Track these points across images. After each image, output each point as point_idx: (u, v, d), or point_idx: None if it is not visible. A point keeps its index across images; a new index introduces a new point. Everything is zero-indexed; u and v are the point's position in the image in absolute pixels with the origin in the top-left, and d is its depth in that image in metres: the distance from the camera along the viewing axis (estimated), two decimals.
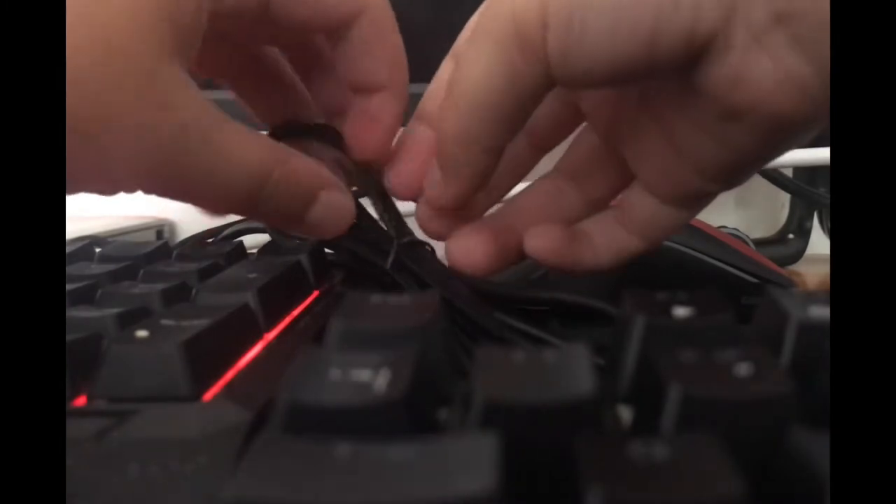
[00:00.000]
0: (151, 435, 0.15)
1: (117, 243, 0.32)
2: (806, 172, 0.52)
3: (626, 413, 0.15)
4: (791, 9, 0.18)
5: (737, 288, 0.37)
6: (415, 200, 0.27)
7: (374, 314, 0.17)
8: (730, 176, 0.24)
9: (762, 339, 0.17)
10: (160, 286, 0.23)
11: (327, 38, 0.26)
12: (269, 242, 0.29)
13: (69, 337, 0.18)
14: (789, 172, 0.52)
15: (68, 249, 0.31)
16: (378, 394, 0.13)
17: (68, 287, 0.24)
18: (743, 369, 0.14)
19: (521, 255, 0.27)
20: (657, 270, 0.37)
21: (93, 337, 0.18)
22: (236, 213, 0.24)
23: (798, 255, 0.54)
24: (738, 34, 0.19)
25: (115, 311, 0.20)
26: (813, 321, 0.15)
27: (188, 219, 0.63)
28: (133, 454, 0.14)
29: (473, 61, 0.21)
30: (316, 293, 0.26)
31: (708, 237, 0.39)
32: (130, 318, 0.20)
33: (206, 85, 0.26)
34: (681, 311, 0.16)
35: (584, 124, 0.27)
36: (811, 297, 0.16)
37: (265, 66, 0.28)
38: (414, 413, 0.13)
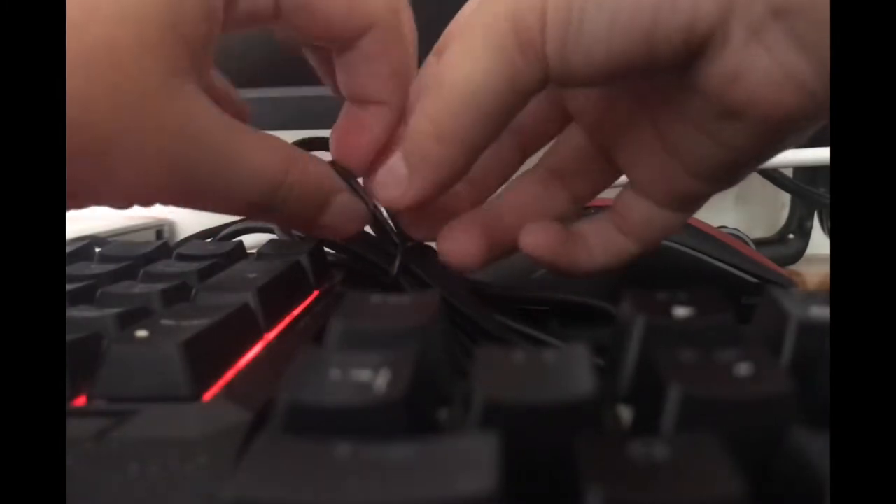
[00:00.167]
0: (151, 435, 0.15)
1: (117, 243, 0.32)
2: (806, 172, 0.52)
3: (626, 413, 0.15)
4: (790, 4, 0.18)
5: (737, 288, 0.37)
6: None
7: (374, 314, 0.17)
8: (725, 176, 0.24)
9: (762, 339, 0.17)
10: (160, 286, 0.23)
11: (333, 49, 0.26)
12: (269, 242, 0.29)
13: (69, 337, 0.18)
14: (789, 172, 0.52)
15: (68, 249, 0.31)
16: (378, 394, 0.13)
17: (68, 287, 0.24)
18: (743, 369, 0.14)
19: (511, 250, 0.26)
20: (657, 270, 0.37)
21: (93, 337, 0.18)
22: (251, 217, 0.24)
23: (798, 255, 0.53)
24: (737, 30, 0.19)
25: (115, 311, 0.20)
26: (813, 321, 0.15)
27: (188, 219, 0.63)
28: (133, 454, 0.14)
29: (467, 57, 0.21)
30: (316, 293, 0.26)
31: (708, 237, 0.39)
32: (130, 318, 0.20)
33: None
34: (681, 311, 0.16)
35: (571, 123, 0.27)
36: (811, 297, 0.16)
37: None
38: (414, 413, 0.13)
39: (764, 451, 0.13)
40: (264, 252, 0.27)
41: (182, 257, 0.28)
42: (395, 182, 0.23)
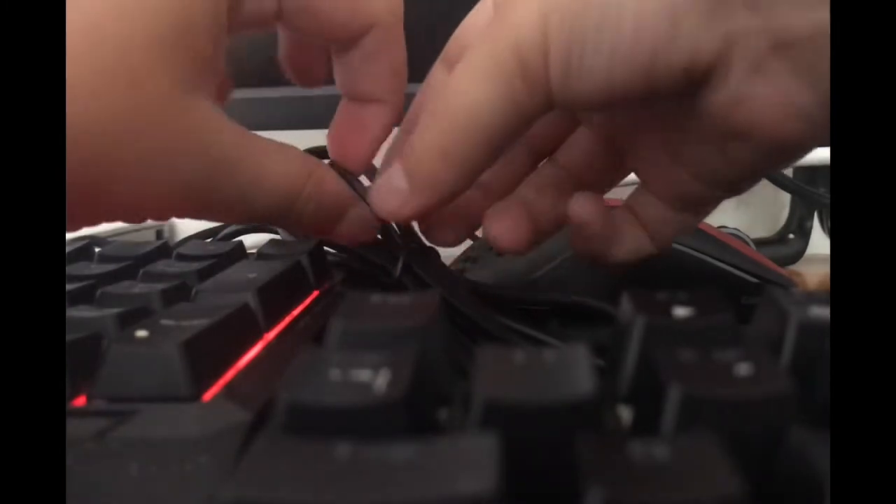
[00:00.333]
0: (151, 435, 0.15)
1: (117, 243, 0.32)
2: (806, 172, 0.52)
3: (626, 413, 0.15)
4: (789, 38, 0.18)
5: (737, 288, 0.37)
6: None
7: (374, 314, 0.17)
8: (734, 185, 0.24)
9: (762, 339, 0.17)
10: (160, 286, 0.23)
11: (333, 49, 0.26)
12: (269, 242, 0.29)
13: (69, 337, 0.18)
14: (789, 172, 0.52)
15: (68, 249, 0.31)
16: (378, 394, 0.13)
17: (68, 287, 0.24)
18: (743, 369, 0.14)
19: (554, 229, 0.27)
20: (657, 270, 0.37)
21: (93, 337, 0.18)
22: (271, 224, 0.24)
23: (798, 255, 0.54)
24: (737, 63, 0.19)
25: (115, 311, 0.20)
26: (813, 321, 0.15)
27: (188, 219, 0.63)
28: (133, 454, 0.14)
29: (473, 83, 0.21)
30: (316, 293, 0.26)
31: (708, 237, 0.39)
32: (130, 318, 0.20)
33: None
34: (681, 311, 0.16)
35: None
36: (811, 297, 0.16)
37: None
38: (414, 413, 0.13)
39: (764, 451, 0.13)
40: (264, 252, 0.27)
41: (182, 257, 0.28)
42: (395, 195, 0.24)
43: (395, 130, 0.28)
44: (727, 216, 0.57)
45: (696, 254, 0.38)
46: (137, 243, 0.31)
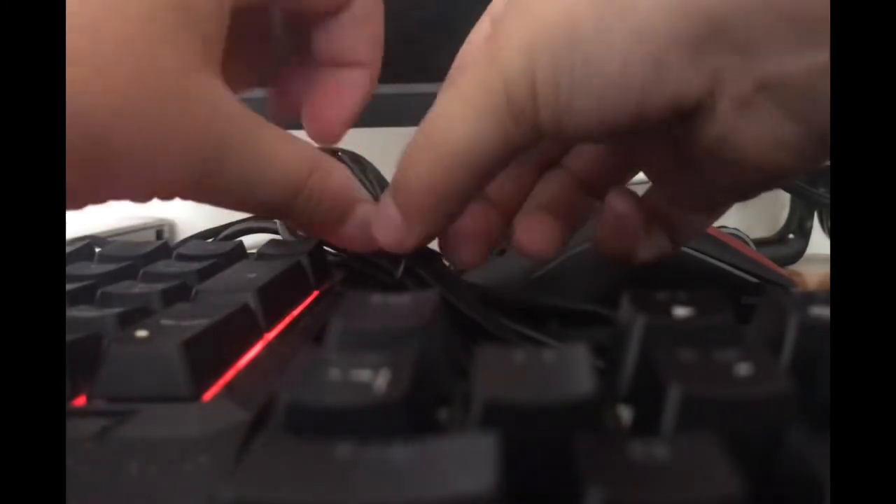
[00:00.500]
0: (151, 435, 0.15)
1: (117, 243, 0.32)
2: (806, 172, 0.52)
3: (626, 413, 0.15)
4: (775, 77, 0.18)
5: (737, 288, 0.37)
6: None
7: (374, 314, 0.17)
8: (741, 196, 0.24)
9: (762, 339, 0.17)
10: (160, 286, 0.23)
11: (320, 17, 0.26)
12: (269, 242, 0.29)
13: (69, 337, 0.18)
14: None
15: (68, 249, 0.31)
16: (378, 394, 0.13)
17: (68, 287, 0.24)
18: (743, 369, 0.14)
19: (574, 230, 0.27)
20: (657, 270, 0.37)
21: (93, 337, 0.18)
22: (272, 216, 0.24)
23: (798, 255, 0.53)
24: (723, 101, 0.19)
25: (115, 311, 0.20)
26: (813, 321, 0.15)
27: (188, 219, 0.63)
28: (133, 454, 0.14)
29: (461, 119, 0.21)
30: (316, 293, 0.26)
31: (708, 237, 0.39)
32: (130, 318, 0.20)
33: None
34: (681, 311, 0.16)
35: None
36: (811, 297, 0.16)
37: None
38: (414, 413, 0.13)
39: (764, 451, 0.13)
40: (264, 252, 0.27)
41: (182, 257, 0.28)
42: (394, 229, 0.24)
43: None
44: (727, 216, 0.57)
45: (696, 254, 0.38)
46: (137, 243, 0.31)
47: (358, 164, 0.35)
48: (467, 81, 0.21)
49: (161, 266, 0.27)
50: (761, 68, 0.18)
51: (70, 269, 0.27)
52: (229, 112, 0.21)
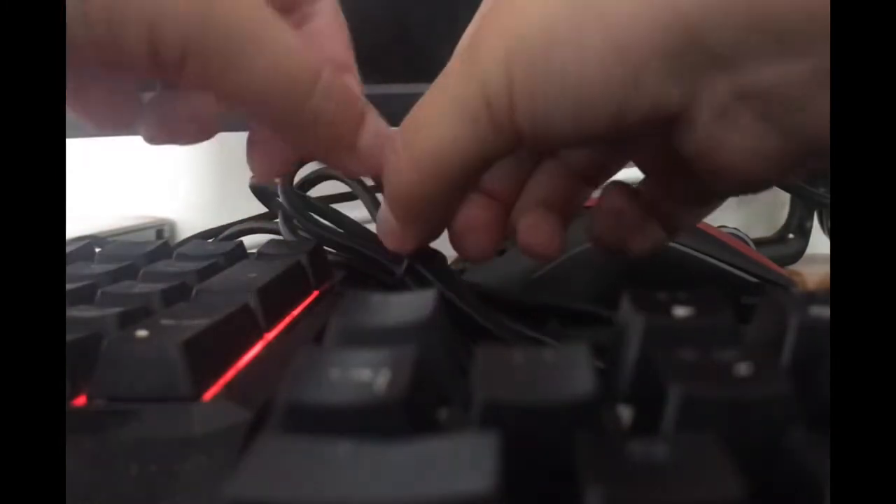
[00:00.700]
0: (151, 435, 0.15)
1: (117, 243, 0.32)
2: None
3: (626, 413, 0.15)
4: (754, 88, 0.18)
5: (737, 288, 0.37)
6: None
7: (374, 313, 0.17)
8: (733, 194, 0.24)
9: (762, 339, 0.17)
10: (160, 286, 0.23)
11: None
12: (269, 242, 0.29)
13: (69, 337, 0.18)
14: None
15: (68, 249, 0.31)
16: (378, 393, 0.13)
17: (68, 287, 0.24)
18: (743, 369, 0.14)
19: (571, 219, 0.27)
20: (657, 270, 0.37)
21: (93, 337, 0.18)
22: (285, 125, 0.23)
23: (798, 255, 0.53)
24: (703, 112, 0.19)
25: (115, 311, 0.20)
26: (813, 321, 0.15)
27: (188, 219, 0.63)
28: (133, 454, 0.14)
29: (441, 126, 0.21)
30: (316, 293, 0.26)
31: (708, 237, 0.39)
32: (130, 318, 0.20)
33: None
34: (681, 311, 0.16)
35: None
36: (811, 297, 0.16)
37: None
38: (414, 413, 0.13)
39: (764, 451, 0.13)
40: (264, 252, 0.27)
41: (182, 257, 0.28)
42: (392, 232, 0.24)
43: None
44: (727, 216, 0.57)
45: (696, 254, 0.38)
46: (137, 243, 0.31)
47: None
48: (447, 90, 0.21)
49: (161, 266, 0.27)
50: (740, 79, 0.18)
51: (70, 269, 0.27)
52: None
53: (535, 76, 0.19)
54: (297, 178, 0.33)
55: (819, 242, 0.54)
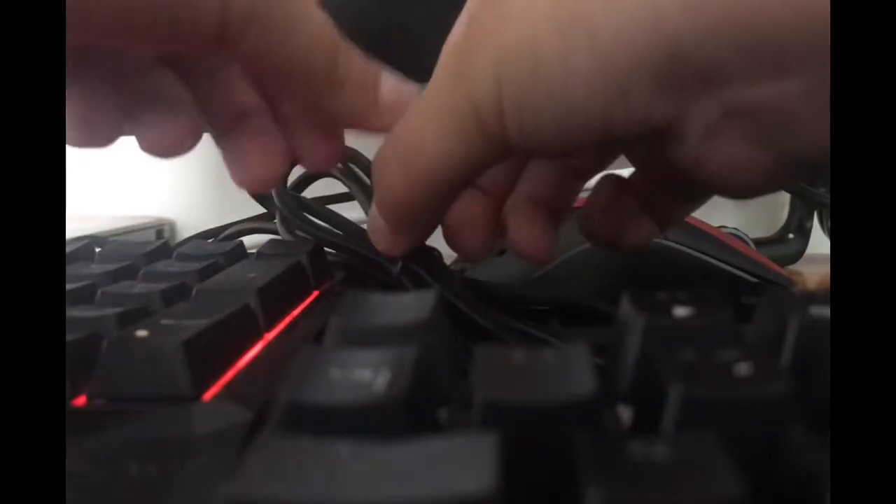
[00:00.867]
0: (151, 435, 0.15)
1: (117, 243, 0.32)
2: None
3: (626, 413, 0.15)
4: (743, 106, 0.18)
5: (737, 288, 0.37)
6: None
7: (374, 313, 0.17)
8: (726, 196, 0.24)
9: (762, 339, 0.17)
10: (160, 286, 0.23)
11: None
12: (269, 242, 0.29)
13: (69, 337, 0.18)
14: None
15: (68, 249, 0.31)
16: (378, 393, 0.13)
17: (68, 287, 0.24)
18: (743, 369, 0.14)
19: (564, 216, 0.28)
20: (657, 270, 0.37)
21: (93, 337, 0.18)
22: (320, 94, 0.23)
23: (798, 255, 0.53)
24: (692, 127, 0.19)
25: (115, 311, 0.20)
26: (813, 321, 0.15)
27: (188, 219, 0.63)
28: (133, 454, 0.14)
29: (431, 138, 0.21)
30: (316, 293, 0.26)
31: (708, 237, 0.39)
32: (130, 318, 0.20)
33: None
34: (681, 311, 0.16)
35: None
36: (811, 297, 0.16)
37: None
38: (414, 413, 0.13)
39: (764, 451, 0.13)
40: (264, 252, 0.27)
41: (182, 257, 0.28)
42: (383, 237, 0.25)
43: None
44: (727, 216, 0.57)
45: (696, 254, 0.38)
46: (137, 243, 0.31)
47: (354, 160, 0.35)
48: (435, 101, 0.21)
49: (161, 266, 0.27)
50: (729, 98, 0.18)
51: (70, 269, 0.27)
52: None
53: (524, 90, 0.19)
54: (289, 179, 0.34)
55: (819, 242, 0.54)
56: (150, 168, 0.64)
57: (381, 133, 0.24)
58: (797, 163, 0.19)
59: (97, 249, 0.30)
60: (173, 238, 0.61)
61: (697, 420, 0.13)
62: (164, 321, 0.18)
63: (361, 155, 0.35)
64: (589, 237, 0.28)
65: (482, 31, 0.20)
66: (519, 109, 0.19)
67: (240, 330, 0.19)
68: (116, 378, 0.16)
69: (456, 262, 0.40)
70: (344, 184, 0.35)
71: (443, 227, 0.26)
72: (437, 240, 0.27)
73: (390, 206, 0.23)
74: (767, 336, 0.16)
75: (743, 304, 0.19)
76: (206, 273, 0.26)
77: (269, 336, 0.21)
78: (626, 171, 0.28)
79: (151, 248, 0.30)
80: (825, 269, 0.50)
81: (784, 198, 0.56)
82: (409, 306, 0.17)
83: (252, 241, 0.35)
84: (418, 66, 0.27)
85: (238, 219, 0.39)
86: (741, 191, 0.20)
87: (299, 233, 0.32)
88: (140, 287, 0.24)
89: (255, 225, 0.38)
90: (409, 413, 0.13)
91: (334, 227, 0.32)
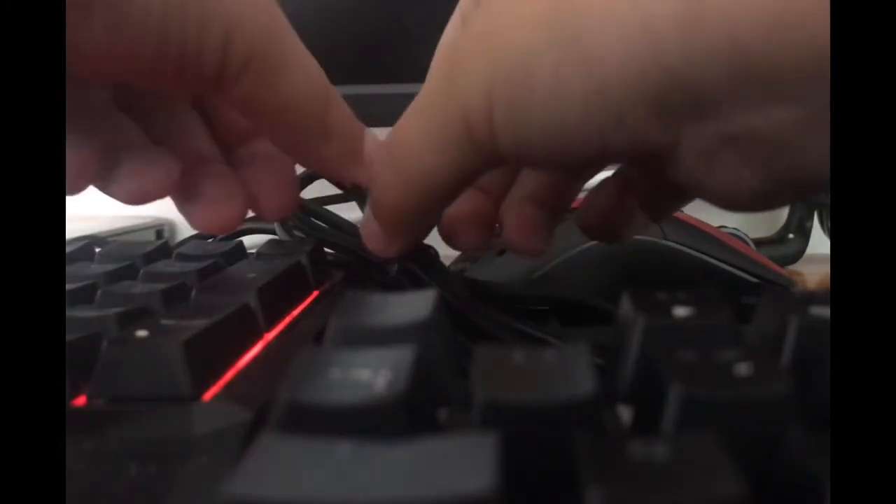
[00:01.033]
0: (151, 435, 0.15)
1: (117, 243, 0.32)
2: None
3: (626, 413, 0.15)
4: (740, 133, 0.17)
5: (737, 288, 0.37)
6: None
7: (374, 313, 0.17)
8: None
9: (762, 339, 0.17)
10: (160, 286, 0.23)
11: None
12: (269, 242, 0.29)
13: (69, 337, 0.18)
14: None
15: (68, 249, 0.31)
16: (378, 393, 0.13)
17: (68, 287, 0.24)
18: (743, 369, 0.14)
19: (562, 216, 0.28)
20: (657, 270, 0.37)
21: (93, 337, 0.18)
22: (308, 140, 0.23)
23: (798, 255, 0.53)
24: (688, 151, 0.18)
25: (115, 311, 0.20)
26: (813, 321, 0.15)
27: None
28: (133, 454, 0.14)
29: (422, 148, 0.21)
30: (316, 293, 0.26)
31: (708, 237, 0.39)
32: (130, 318, 0.20)
33: None
34: (681, 311, 0.16)
35: None
36: (811, 297, 0.16)
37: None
38: (414, 413, 0.13)
39: (764, 451, 0.13)
40: (264, 252, 0.27)
41: (182, 257, 0.28)
42: (377, 239, 0.25)
43: None
44: (727, 216, 0.57)
45: (696, 254, 0.38)
46: (137, 243, 0.31)
47: None
48: (428, 111, 0.21)
49: (161, 266, 0.27)
50: (725, 124, 0.17)
51: (70, 269, 0.27)
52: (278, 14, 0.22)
53: (516, 109, 0.19)
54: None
55: (819, 242, 0.54)
56: None
57: (363, 185, 0.25)
58: (795, 186, 0.19)
59: (97, 249, 0.30)
60: (173, 238, 0.61)
61: (697, 420, 0.13)
62: (164, 321, 0.18)
63: None
64: (588, 233, 0.28)
65: (474, 41, 0.20)
66: (511, 126, 0.19)
67: (240, 330, 0.19)
68: (116, 378, 0.16)
69: (456, 261, 0.40)
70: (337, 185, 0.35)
71: (438, 223, 0.26)
72: (435, 238, 0.27)
73: (384, 210, 0.24)
74: (767, 336, 0.16)
75: (743, 304, 0.19)
76: (205, 273, 0.26)
77: (269, 336, 0.21)
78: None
79: (151, 248, 0.30)
80: (825, 269, 0.50)
81: None
82: (408, 306, 0.17)
83: (252, 241, 0.35)
84: (415, 66, 0.27)
85: None
86: (740, 208, 0.20)
87: (297, 233, 0.32)
88: (140, 287, 0.24)
89: (254, 225, 0.38)
90: (409, 413, 0.13)
91: (333, 228, 0.32)
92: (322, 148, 0.24)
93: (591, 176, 0.28)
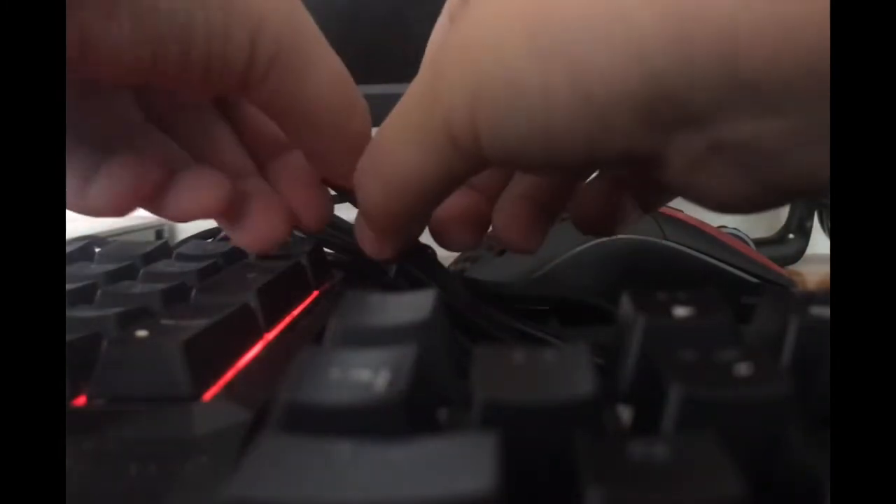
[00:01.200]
0: (151, 435, 0.15)
1: (117, 243, 0.32)
2: None
3: (626, 413, 0.15)
4: (728, 141, 0.17)
5: (737, 288, 0.37)
6: None
7: (374, 313, 0.17)
8: None
9: (762, 339, 0.17)
10: (160, 286, 0.23)
11: None
12: None
13: (69, 337, 0.18)
14: None
15: (68, 249, 0.31)
16: (378, 393, 0.13)
17: (68, 287, 0.24)
18: (743, 369, 0.14)
19: (558, 215, 0.27)
20: (657, 270, 0.37)
21: (93, 337, 0.18)
22: (334, 147, 0.23)
23: (798, 255, 0.54)
24: (676, 158, 0.18)
25: (115, 311, 0.20)
26: (813, 321, 0.15)
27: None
28: (133, 454, 0.14)
29: (405, 155, 0.21)
30: (316, 293, 0.26)
31: (708, 237, 0.39)
32: (130, 318, 0.20)
33: None
34: (681, 311, 0.16)
35: None
36: (811, 297, 0.16)
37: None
38: (414, 413, 0.13)
39: (764, 451, 0.13)
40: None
41: (182, 257, 0.28)
42: (369, 241, 0.25)
43: None
44: (727, 216, 0.57)
45: (696, 254, 0.38)
46: (137, 243, 0.31)
47: None
48: (410, 116, 0.21)
49: (161, 266, 0.27)
50: (714, 134, 0.17)
51: (70, 269, 0.27)
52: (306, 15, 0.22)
53: (500, 118, 0.19)
54: None
55: (819, 242, 0.54)
56: None
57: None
58: (784, 192, 0.19)
59: (97, 249, 0.30)
60: (173, 238, 0.61)
61: (697, 420, 0.13)
62: (164, 321, 0.18)
63: None
64: (580, 228, 0.28)
65: (458, 48, 0.20)
66: (495, 133, 0.19)
67: (240, 330, 0.19)
68: (116, 378, 0.16)
69: (456, 262, 0.40)
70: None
71: (429, 222, 0.26)
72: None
73: (371, 215, 0.23)
74: (767, 336, 0.16)
75: (743, 304, 0.19)
76: (205, 273, 0.26)
77: (269, 336, 0.21)
78: None
79: (151, 248, 0.30)
80: (825, 269, 0.50)
81: None
82: (408, 306, 0.17)
83: None
84: (415, 66, 0.27)
85: None
86: (731, 211, 0.20)
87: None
88: (140, 287, 0.24)
89: None
90: (409, 413, 0.13)
91: (332, 228, 0.32)
92: (346, 157, 0.23)
93: (588, 176, 0.28)
